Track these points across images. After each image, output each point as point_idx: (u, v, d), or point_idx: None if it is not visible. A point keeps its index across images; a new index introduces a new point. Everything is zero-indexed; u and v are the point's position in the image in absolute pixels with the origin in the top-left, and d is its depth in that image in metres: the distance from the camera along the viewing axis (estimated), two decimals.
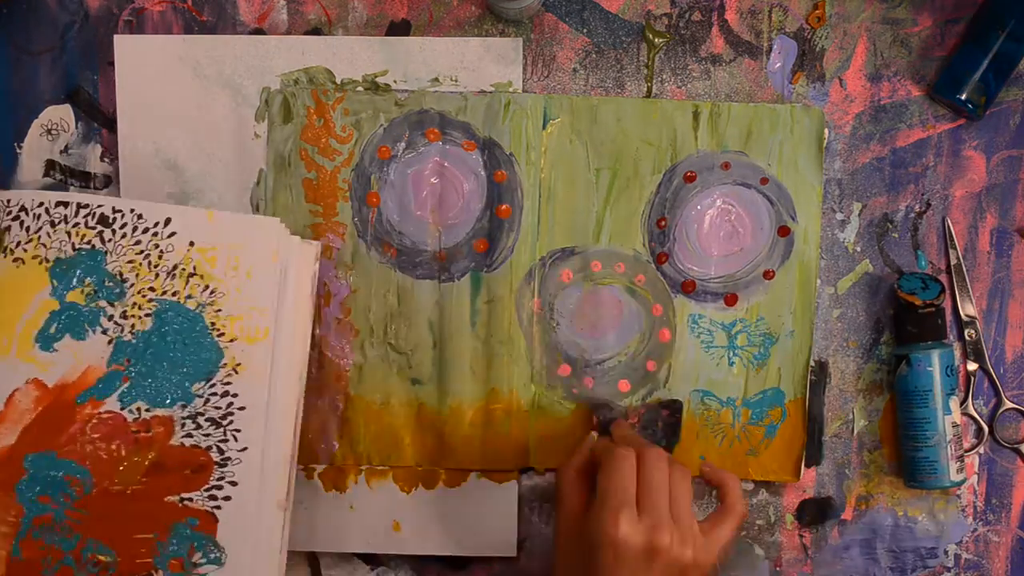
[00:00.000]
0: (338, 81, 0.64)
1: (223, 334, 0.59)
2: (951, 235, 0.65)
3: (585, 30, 0.65)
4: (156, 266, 0.59)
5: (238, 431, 0.58)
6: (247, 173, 0.65)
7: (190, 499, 0.58)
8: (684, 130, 0.64)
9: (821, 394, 0.66)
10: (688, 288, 0.65)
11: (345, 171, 0.65)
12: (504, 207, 0.64)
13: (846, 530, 0.66)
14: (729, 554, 0.64)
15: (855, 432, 0.66)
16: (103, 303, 0.58)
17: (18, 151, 0.65)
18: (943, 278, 0.65)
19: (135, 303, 0.58)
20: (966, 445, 0.66)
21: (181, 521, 0.58)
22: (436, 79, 0.64)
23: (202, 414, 0.58)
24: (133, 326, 0.58)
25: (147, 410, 0.58)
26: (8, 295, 0.58)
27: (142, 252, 0.59)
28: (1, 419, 0.57)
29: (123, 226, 0.58)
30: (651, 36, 0.65)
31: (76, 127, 0.65)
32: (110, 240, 0.58)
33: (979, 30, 0.63)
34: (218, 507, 0.58)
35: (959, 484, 0.64)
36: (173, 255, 0.59)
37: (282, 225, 0.59)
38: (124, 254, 0.59)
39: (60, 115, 0.65)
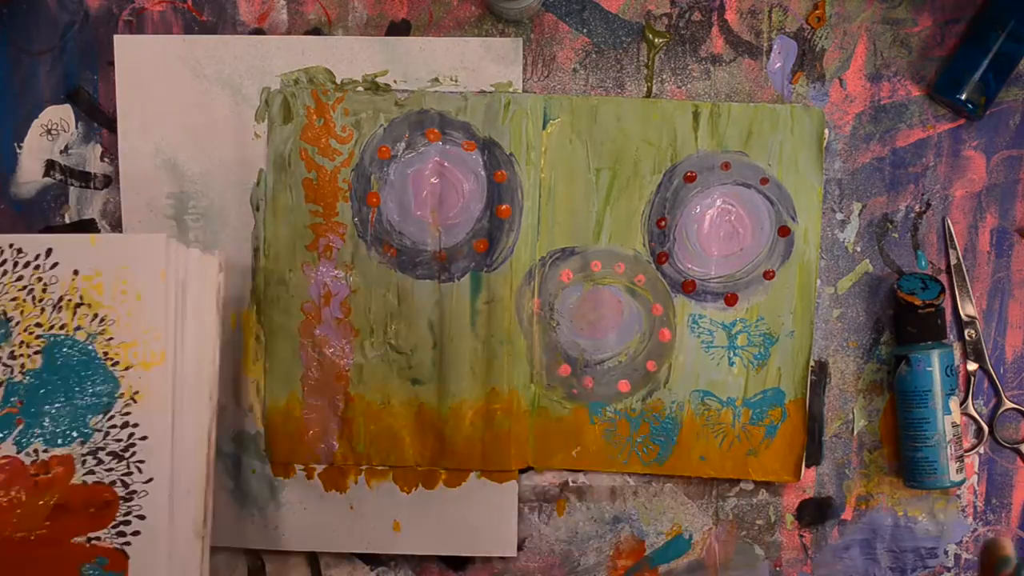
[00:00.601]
0: (338, 81, 0.64)
1: (117, 363, 0.56)
2: (951, 235, 0.65)
3: (585, 30, 0.65)
4: (41, 300, 0.56)
5: (142, 462, 0.56)
6: (247, 173, 0.65)
7: (98, 538, 0.55)
8: (684, 130, 0.64)
9: (821, 394, 0.66)
10: (688, 288, 0.65)
11: (345, 171, 0.65)
12: (504, 207, 0.64)
13: (846, 530, 0.66)
14: None
15: (855, 432, 0.66)
16: None
17: (18, 151, 0.65)
18: (943, 278, 0.65)
19: (23, 341, 0.56)
20: (966, 445, 0.66)
21: (90, 562, 0.55)
22: (436, 79, 0.64)
23: (103, 448, 0.56)
24: (23, 365, 0.56)
25: (45, 451, 0.56)
26: None
27: (25, 287, 0.56)
28: None
29: (2, 263, 0.56)
30: (651, 36, 0.65)
31: (76, 127, 0.65)
32: None
33: (979, 30, 0.63)
34: (127, 543, 0.56)
35: (959, 484, 0.64)
36: (58, 287, 0.56)
37: (171, 240, 0.57)
38: (6, 292, 0.56)
39: (60, 115, 0.65)
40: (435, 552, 0.66)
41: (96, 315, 0.56)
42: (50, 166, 0.65)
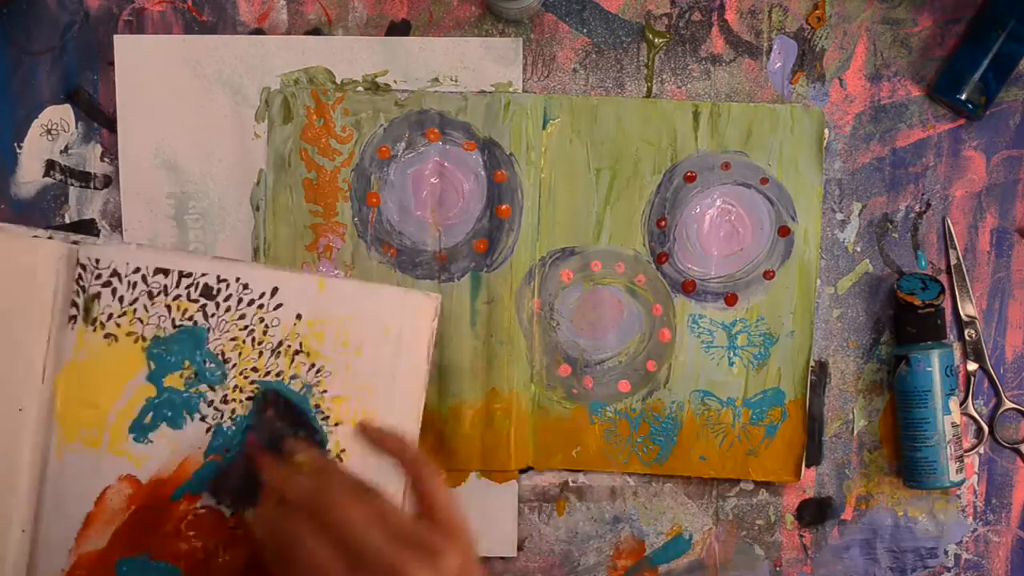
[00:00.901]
0: (338, 81, 0.64)
1: (328, 417, 0.53)
2: (951, 235, 0.65)
3: (585, 30, 0.65)
4: (260, 343, 0.52)
5: None
6: (247, 173, 0.65)
7: None
8: (684, 130, 0.64)
9: (821, 394, 0.66)
10: (688, 288, 0.65)
11: (345, 171, 0.65)
12: (504, 207, 0.64)
13: (846, 530, 0.66)
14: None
15: (855, 432, 0.66)
16: (203, 387, 0.52)
17: (18, 151, 0.65)
18: (943, 278, 0.65)
19: (236, 386, 0.52)
20: (966, 445, 0.66)
21: None
22: (436, 79, 0.64)
23: None
24: (233, 411, 0.52)
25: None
26: (100, 378, 0.51)
27: (246, 328, 0.52)
28: (91, 520, 0.51)
29: (227, 298, 0.52)
30: (651, 36, 0.65)
31: (76, 127, 0.65)
32: (213, 315, 0.52)
33: (979, 30, 0.63)
34: None
35: (959, 484, 0.64)
36: (279, 330, 0.52)
37: (399, 291, 0.54)
38: (227, 331, 0.52)
39: (60, 115, 0.65)
40: None
41: (313, 365, 0.53)
42: (50, 166, 0.65)
